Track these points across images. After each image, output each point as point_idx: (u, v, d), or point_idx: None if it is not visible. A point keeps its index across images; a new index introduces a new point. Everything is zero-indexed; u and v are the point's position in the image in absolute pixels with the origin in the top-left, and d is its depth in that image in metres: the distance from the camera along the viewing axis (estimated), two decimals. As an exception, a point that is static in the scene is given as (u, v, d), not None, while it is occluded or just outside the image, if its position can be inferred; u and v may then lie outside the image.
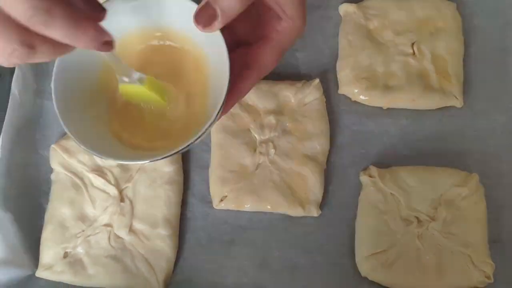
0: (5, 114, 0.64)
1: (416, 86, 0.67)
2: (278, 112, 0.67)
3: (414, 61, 0.69)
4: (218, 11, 0.41)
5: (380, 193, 0.63)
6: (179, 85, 0.49)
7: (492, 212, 0.64)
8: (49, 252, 0.62)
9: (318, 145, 0.66)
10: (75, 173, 0.64)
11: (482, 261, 0.60)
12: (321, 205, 0.65)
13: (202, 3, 0.42)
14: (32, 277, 0.63)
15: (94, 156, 0.54)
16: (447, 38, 0.69)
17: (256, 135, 0.66)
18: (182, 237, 0.65)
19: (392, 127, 0.68)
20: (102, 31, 0.35)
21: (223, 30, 0.44)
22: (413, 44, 0.69)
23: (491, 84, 0.70)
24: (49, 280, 0.62)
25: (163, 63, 0.50)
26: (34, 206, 0.66)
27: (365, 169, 0.66)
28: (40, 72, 0.70)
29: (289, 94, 0.67)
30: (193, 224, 0.65)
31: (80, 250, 0.62)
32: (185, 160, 0.67)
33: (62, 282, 0.62)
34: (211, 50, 0.47)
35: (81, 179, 0.64)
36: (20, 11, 0.31)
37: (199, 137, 0.43)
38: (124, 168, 0.65)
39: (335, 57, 0.70)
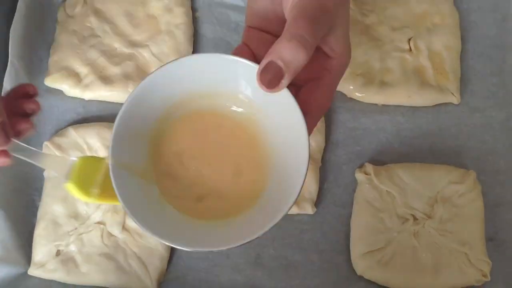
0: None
1: (412, 83, 0.67)
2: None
3: (410, 57, 0.68)
4: (283, 67, 0.38)
5: (375, 191, 0.63)
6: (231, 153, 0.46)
7: (489, 210, 0.63)
8: (41, 250, 0.62)
9: (314, 142, 0.65)
10: (68, 171, 0.64)
11: (479, 259, 0.60)
12: (316, 203, 0.64)
13: (264, 61, 0.39)
14: (25, 275, 0.62)
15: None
16: (444, 34, 0.69)
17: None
18: (176, 235, 0.64)
19: (388, 124, 0.68)
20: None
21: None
22: (409, 40, 0.69)
23: (488, 81, 0.69)
24: (42, 278, 0.62)
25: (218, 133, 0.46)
26: (26, 203, 0.65)
27: (360, 166, 0.66)
28: (32, 68, 0.69)
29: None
30: (187, 222, 0.65)
31: (72, 248, 0.62)
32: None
33: (54, 280, 0.62)
34: (276, 112, 0.43)
35: (74, 176, 0.64)
36: None
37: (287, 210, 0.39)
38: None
39: (330, 54, 0.70)
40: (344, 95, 0.68)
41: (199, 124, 0.46)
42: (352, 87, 0.67)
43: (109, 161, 0.41)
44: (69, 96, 0.69)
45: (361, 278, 0.61)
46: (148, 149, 0.45)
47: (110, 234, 0.62)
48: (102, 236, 0.62)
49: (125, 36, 0.70)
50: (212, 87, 0.45)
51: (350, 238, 0.63)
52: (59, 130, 0.67)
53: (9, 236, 0.62)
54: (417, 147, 0.67)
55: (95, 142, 0.65)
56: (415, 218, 0.62)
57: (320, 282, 0.62)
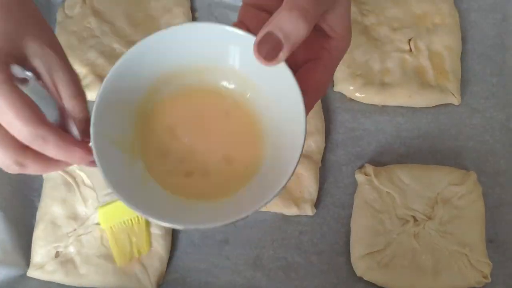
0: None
1: (412, 83, 0.66)
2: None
3: (410, 58, 0.68)
4: (282, 38, 0.37)
5: (375, 192, 0.62)
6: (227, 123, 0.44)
7: (490, 211, 0.63)
8: (40, 251, 0.62)
9: (313, 143, 0.65)
10: (66, 171, 0.64)
11: (479, 261, 0.59)
12: (316, 204, 0.64)
13: (262, 31, 0.37)
14: (23, 277, 0.62)
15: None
16: (444, 34, 0.68)
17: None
18: (175, 237, 0.64)
19: (388, 125, 0.68)
20: (90, 153, 0.39)
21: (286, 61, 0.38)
22: (409, 40, 0.68)
23: (488, 81, 0.69)
24: (41, 280, 0.62)
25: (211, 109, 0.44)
26: (25, 204, 0.65)
27: (360, 167, 0.65)
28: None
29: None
30: (187, 223, 0.65)
31: (71, 249, 0.61)
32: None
33: (54, 282, 0.61)
34: (272, 87, 0.41)
35: (73, 177, 0.64)
36: (22, 134, 0.37)
37: (283, 187, 0.37)
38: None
39: (330, 54, 0.69)
40: (344, 95, 0.68)
41: (191, 100, 0.44)
42: (352, 88, 0.67)
43: (91, 131, 0.39)
44: (68, 97, 0.68)
45: (361, 279, 0.61)
46: (136, 123, 0.43)
47: (109, 236, 0.62)
48: (101, 237, 0.62)
49: (124, 36, 0.70)
50: (205, 60, 0.42)
51: (350, 240, 0.62)
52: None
53: (8, 237, 0.62)
54: (417, 148, 0.67)
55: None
56: (415, 220, 0.61)
57: (319, 283, 0.62)
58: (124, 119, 0.42)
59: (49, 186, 0.64)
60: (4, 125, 0.37)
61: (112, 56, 0.68)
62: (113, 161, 0.40)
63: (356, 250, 0.61)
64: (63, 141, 0.39)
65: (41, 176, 0.65)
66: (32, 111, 0.37)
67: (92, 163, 0.39)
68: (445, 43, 0.68)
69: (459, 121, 0.67)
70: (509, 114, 0.67)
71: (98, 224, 0.62)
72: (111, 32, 0.69)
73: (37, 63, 0.40)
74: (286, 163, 0.38)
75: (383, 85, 0.67)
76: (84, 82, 0.67)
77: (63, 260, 0.61)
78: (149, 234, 0.62)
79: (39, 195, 0.65)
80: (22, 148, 0.39)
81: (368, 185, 0.63)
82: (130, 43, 0.69)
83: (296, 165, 0.37)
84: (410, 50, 0.68)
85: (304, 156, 0.64)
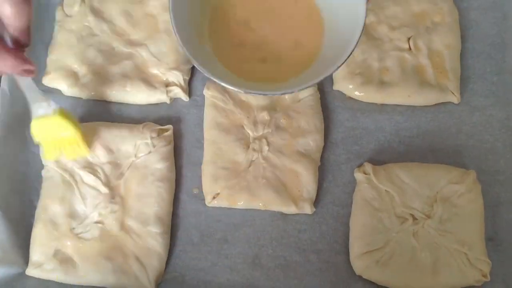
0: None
1: (412, 82, 0.66)
2: (271, 108, 0.66)
3: (410, 57, 0.68)
4: None
5: (374, 190, 0.62)
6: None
7: (489, 209, 0.63)
8: (39, 250, 0.62)
9: (312, 142, 0.65)
10: (66, 170, 0.64)
11: (478, 259, 0.59)
12: (315, 203, 0.64)
13: None
14: (22, 275, 0.62)
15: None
16: (444, 33, 0.68)
17: (249, 132, 0.65)
18: (174, 235, 0.64)
19: (387, 124, 0.67)
20: (22, 62, 0.41)
21: None
22: (409, 39, 0.68)
23: (488, 80, 0.69)
24: (40, 278, 0.62)
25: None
26: (24, 203, 0.65)
27: (359, 165, 0.65)
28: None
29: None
30: (185, 221, 0.65)
31: (70, 248, 0.61)
32: (178, 156, 0.67)
33: (52, 281, 0.61)
34: None
35: (72, 176, 0.63)
36: None
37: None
38: (115, 165, 0.64)
39: (329, 53, 0.69)
40: (343, 94, 0.68)
41: None
42: (351, 86, 0.67)
43: (170, 7, 0.49)
44: (67, 96, 0.68)
45: (359, 278, 0.61)
46: (210, 14, 0.53)
47: (108, 234, 0.62)
48: (100, 236, 0.62)
49: (123, 35, 0.70)
50: None
51: (349, 238, 0.62)
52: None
53: (7, 236, 0.62)
54: (417, 146, 0.67)
55: (93, 141, 0.64)
56: (414, 218, 0.61)
57: (318, 282, 0.62)
58: (197, 10, 0.51)
59: (48, 185, 0.64)
60: None
61: (111, 55, 0.68)
62: (189, 39, 0.48)
63: (355, 249, 0.61)
64: None
65: (40, 175, 0.65)
66: None
67: (25, 72, 0.42)
68: (445, 42, 0.68)
69: (459, 119, 0.67)
70: (509, 113, 0.67)
71: (97, 222, 0.62)
72: (110, 31, 0.69)
73: None
74: (343, 50, 0.47)
75: (383, 84, 0.67)
76: (83, 81, 0.67)
77: (62, 259, 0.61)
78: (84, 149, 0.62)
79: (37, 194, 0.65)
80: None
81: (367, 184, 0.63)
82: (129, 42, 0.69)
83: (353, 50, 0.47)
84: (410, 48, 0.68)
85: (303, 154, 0.64)
